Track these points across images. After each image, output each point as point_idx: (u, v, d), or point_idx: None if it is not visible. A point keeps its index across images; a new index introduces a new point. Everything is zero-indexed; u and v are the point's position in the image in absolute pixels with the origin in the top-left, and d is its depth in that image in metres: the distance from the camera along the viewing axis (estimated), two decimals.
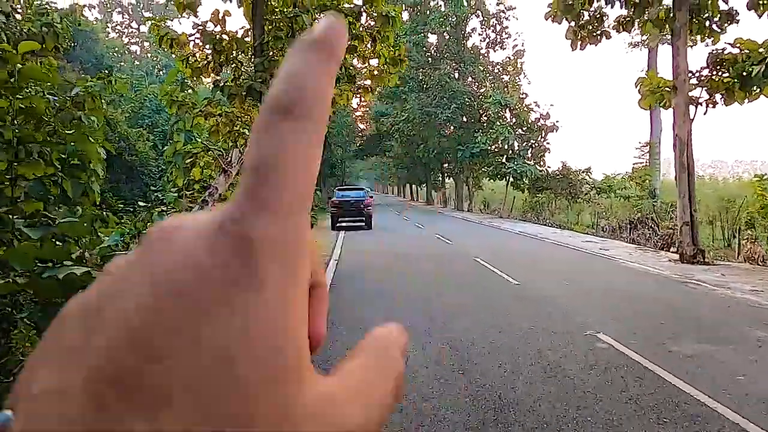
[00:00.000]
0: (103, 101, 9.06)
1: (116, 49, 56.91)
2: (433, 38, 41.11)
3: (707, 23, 13.72)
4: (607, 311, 7.32)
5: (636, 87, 14.80)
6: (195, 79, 14.68)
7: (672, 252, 14.91)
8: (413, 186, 74.70)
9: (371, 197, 23.81)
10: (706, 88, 13.02)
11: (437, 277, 10.27)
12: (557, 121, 30.67)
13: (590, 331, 6.27)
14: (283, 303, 0.21)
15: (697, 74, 13.17)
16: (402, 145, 46.41)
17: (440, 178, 51.52)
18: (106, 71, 9.00)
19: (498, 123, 33.51)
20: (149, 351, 0.19)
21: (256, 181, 0.22)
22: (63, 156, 8.35)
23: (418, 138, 40.00)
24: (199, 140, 16.25)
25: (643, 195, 27.29)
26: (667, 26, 14.02)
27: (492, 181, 34.06)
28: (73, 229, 4.86)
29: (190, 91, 15.41)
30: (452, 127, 38.20)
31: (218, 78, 14.57)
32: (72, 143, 8.77)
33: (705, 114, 13.20)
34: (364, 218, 21.89)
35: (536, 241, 17.38)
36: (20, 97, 7.20)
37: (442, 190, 49.40)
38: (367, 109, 66.76)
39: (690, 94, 13.11)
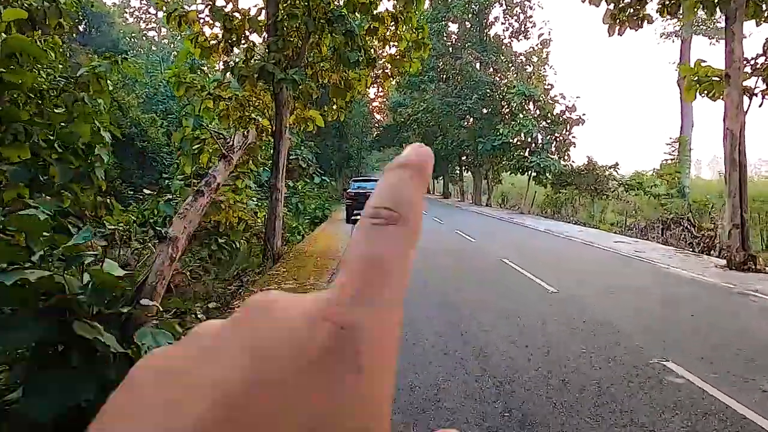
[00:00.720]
0: (109, 83, 8.11)
1: (132, 34, 56.29)
2: (453, 27, 39.89)
3: (764, 6, 12.45)
4: (667, 331, 6.26)
5: (680, 77, 13.60)
6: (204, 59, 13.71)
7: (714, 256, 13.75)
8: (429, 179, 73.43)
9: None
10: (762, 77, 11.79)
11: (460, 278, 9.28)
12: (583, 114, 29.31)
13: (655, 358, 5.23)
14: (380, 387, 0.22)
15: (753, 62, 11.95)
16: (419, 136, 45.29)
17: (458, 171, 50.37)
18: (122, 56, 8.09)
19: (521, 115, 32.24)
20: (247, 422, 0.20)
21: (363, 274, 0.24)
22: (51, 138, 7.36)
23: (437, 129, 38.84)
24: (209, 125, 15.27)
25: (673, 193, 26.00)
26: (718, 9, 12.76)
27: (513, 175, 32.83)
28: (28, 223, 3.92)
29: (200, 73, 14.44)
30: (472, 119, 36.99)
31: (228, 59, 13.60)
32: (62, 124, 7.74)
33: (761, 106, 11.96)
34: None
35: (564, 240, 16.26)
36: (3, 70, 6.19)
37: (460, 184, 48.21)
38: (385, 99, 65.72)
39: (744, 83, 11.88)
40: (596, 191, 28.01)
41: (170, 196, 14.25)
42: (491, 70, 35.72)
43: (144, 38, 62.09)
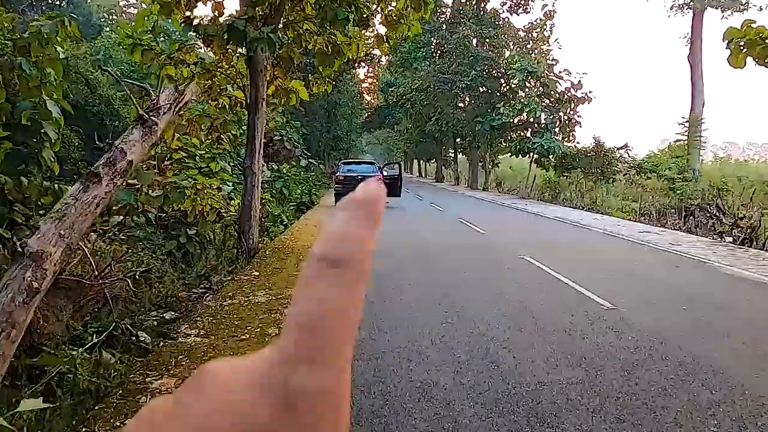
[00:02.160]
0: (59, 50, 6.52)
1: (109, 8, 53.33)
2: (448, 0, 37.39)
3: None
4: None
5: (725, 40, 11.56)
6: (165, 18, 11.45)
7: (759, 248, 11.89)
8: (421, 162, 71.48)
9: (399, 174, 20.68)
10: None
11: (478, 287, 7.28)
12: (590, 92, 27.29)
13: None
14: None
15: None
16: (411, 118, 43.08)
17: (452, 154, 48.28)
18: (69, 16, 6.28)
19: (522, 93, 30.18)
20: None
21: (305, 333, 0.23)
22: None
23: (431, 109, 36.63)
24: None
25: (686, 176, 24.15)
26: None
27: (512, 157, 30.86)
28: None
29: (164, 38, 12.17)
30: (469, 98, 34.82)
31: (192, 16, 11.38)
32: None
33: None
34: None
35: (583, 231, 14.31)
36: None
37: (454, 167, 46.16)
38: (374, 80, 63.22)
39: None
40: (603, 174, 26.16)
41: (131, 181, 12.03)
42: (489, 45, 33.45)
43: (123, 15, 58.97)
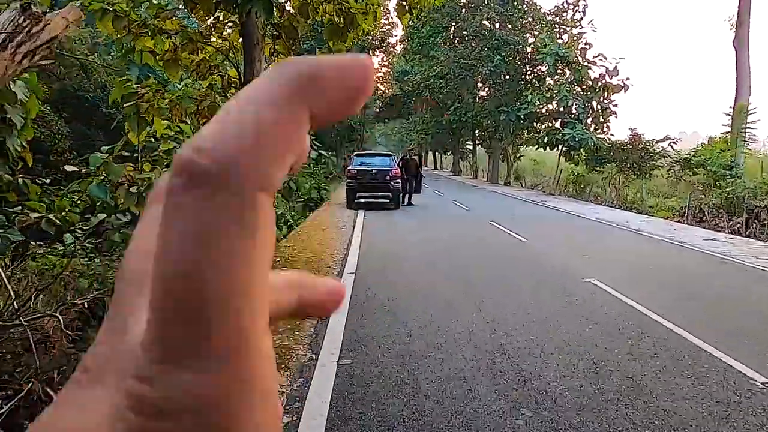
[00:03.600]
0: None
1: None
2: None
3: None
4: None
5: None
6: None
7: None
8: (436, 154, 69.15)
9: (419, 167, 18.54)
10: None
11: (540, 336, 5.21)
12: (626, 79, 24.85)
13: None
14: None
15: None
16: (427, 108, 40.82)
17: (470, 146, 45.98)
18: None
19: (550, 80, 27.81)
20: None
21: (170, 314, 0.15)
22: None
23: (452, 97, 34.35)
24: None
25: (738, 172, 21.68)
26: None
27: (539, 149, 28.53)
28: None
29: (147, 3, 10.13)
30: (491, 85, 32.47)
31: None
32: None
33: None
34: (390, 194, 16.73)
35: (640, 239, 12.09)
36: None
37: (473, 160, 43.84)
38: (389, 68, 60.90)
39: None
40: (641, 169, 23.80)
41: (100, 178, 10.09)
42: (513, 28, 31.04)
43: None
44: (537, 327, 5.29)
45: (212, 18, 9.55)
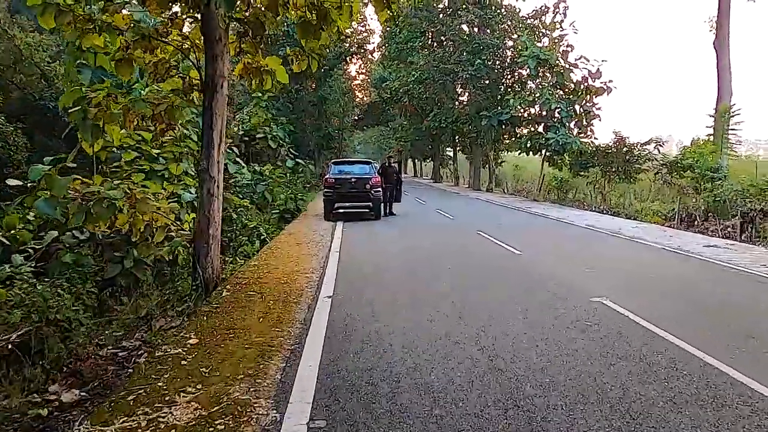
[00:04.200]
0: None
1: None
2: None
3: None
4: None
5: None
6: None
7: None
8: (416, 161, 68.44)
9: (398, 174, 17.52)
10: None
11: (550, 371, 4.37)
12: (609, 81, 24.33)
13: None
14: None
15: None
16: (407, 114, 40.06)
17: (451, 152, 45.32)
18: None
19: (532, 84, 27.27)
20: None
21: None
22: None
23: (432, 102, 33.64)
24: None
25: (722, 174, 21.23)
26: None
27: (521, 155, 27.90)
28: None
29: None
30: (471, 90, 31.79)
31: None
32: None
33: None
34: (370, 203, 15.79)
35: (638, 246, 11.36)
36: None
37: (454, 166, 43.15)
38: (367, 76, 60.08)
39: None
40: (626, 173, 23.26)
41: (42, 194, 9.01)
42: (492, 32, 30.43)
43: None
44: (552, 365, 4.40)
45: (169, 12, 8.56)
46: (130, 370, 5.46)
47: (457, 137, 37.56)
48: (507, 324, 5.49)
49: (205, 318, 5.79)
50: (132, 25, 8.20)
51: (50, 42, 21.63)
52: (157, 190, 9.69)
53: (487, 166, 34.81)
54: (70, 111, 8.67)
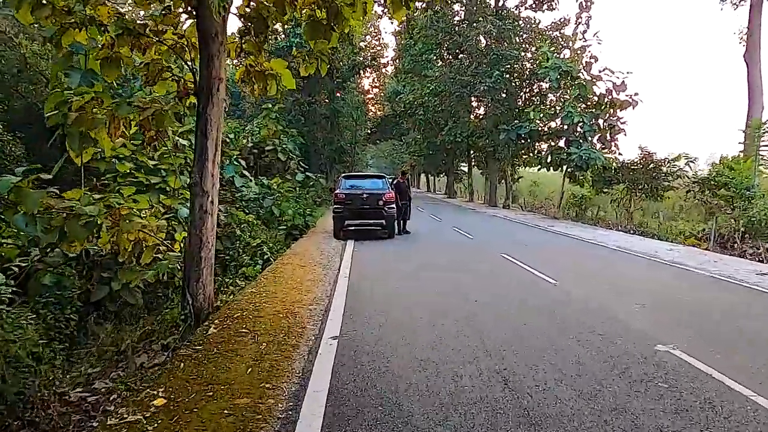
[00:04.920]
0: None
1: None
2: (457, 7, 33.31)
3: None
4: None
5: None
6: None
7: None
8: (429, 176, 67.37)
9: (409, 191, 16.35)
10: None
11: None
12: (635, 95, 23.17)
13: None
14: None
15: None
16: (420, 127, 39.07)
17: (466, 167, 44.21)
18: None
19: (552, 97, 26.21)
20: None
21: None
22: None
23: (447, 116, 32.62)
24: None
25: (756, 193, 19.88)
26: None
27: (540, 170, 26.73)
28: None
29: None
30: (486, 104, 30.77)
31: None
32: None
33: None
34: (384, 221, 14.68)
35: (692, 276, 10.07)
36: None
37: (469, 181, 42.00)
38: (380, 89, 59.39)
39: None
40: (653, 190, 21.99)
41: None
42: (511, 44, 29.44)
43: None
44: None
45: (160, 6, 7.62)
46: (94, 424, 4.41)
47: (472, 151, 36.49)
48: (560, 389, 4.34)
49: (181, 365, 4.71)
50: (115, 17, 7.25)
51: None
52: (145, 205, 8.67)
53: (503, 181, 33.69)
54: (48, 116, 7.74)
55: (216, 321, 6.17)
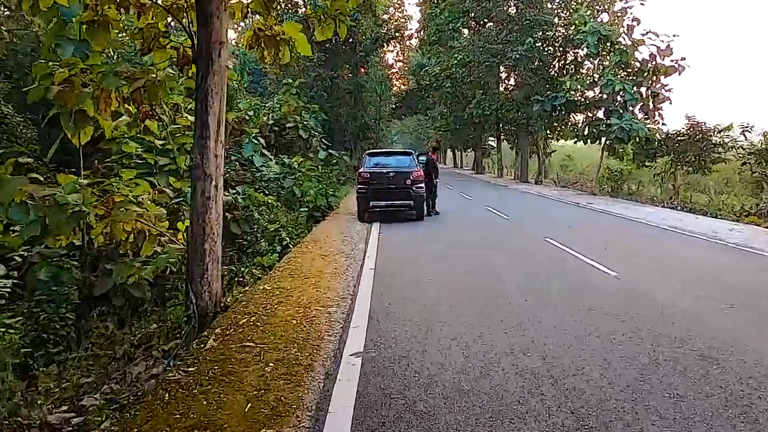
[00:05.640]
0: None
1: None
2: None
3: None
4: None
5: None
6: None
7: None
8: (456, 151, 65.66)
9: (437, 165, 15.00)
10: None
11: None
12: (681, 59, 21.35)
13: None
14: None
15: None
16: (447, 101, 37.53)
17: (493, 142, 42.60)
18: None
19: (590, 63, 24.52)
20: None
21: None
22: None
23: (475, 88, 31.05)
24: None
25: None
26: None
27: (577, 143, 25.14)
28: None
29: None
30: (517, 74, 29.12)
31: None
32: None
33: None
34: (412, 201, 13.55)
35: None
36: None
37: (498, 156, 40.43)
38: (404, 63, 57.55)
39: None
40: (701, 163, 20.35)
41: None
42: (543, 9, 27.63)
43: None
44: None
45: None
46: None
47: (501, 125, 34.90)
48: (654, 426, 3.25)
49: (166, 396, 3.74)
50: None
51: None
52: (146, 189, 7.71)
53: (534, 156, 32.13)
54: (27, 90, 6.83)
55: (218, 330, 5.20)
